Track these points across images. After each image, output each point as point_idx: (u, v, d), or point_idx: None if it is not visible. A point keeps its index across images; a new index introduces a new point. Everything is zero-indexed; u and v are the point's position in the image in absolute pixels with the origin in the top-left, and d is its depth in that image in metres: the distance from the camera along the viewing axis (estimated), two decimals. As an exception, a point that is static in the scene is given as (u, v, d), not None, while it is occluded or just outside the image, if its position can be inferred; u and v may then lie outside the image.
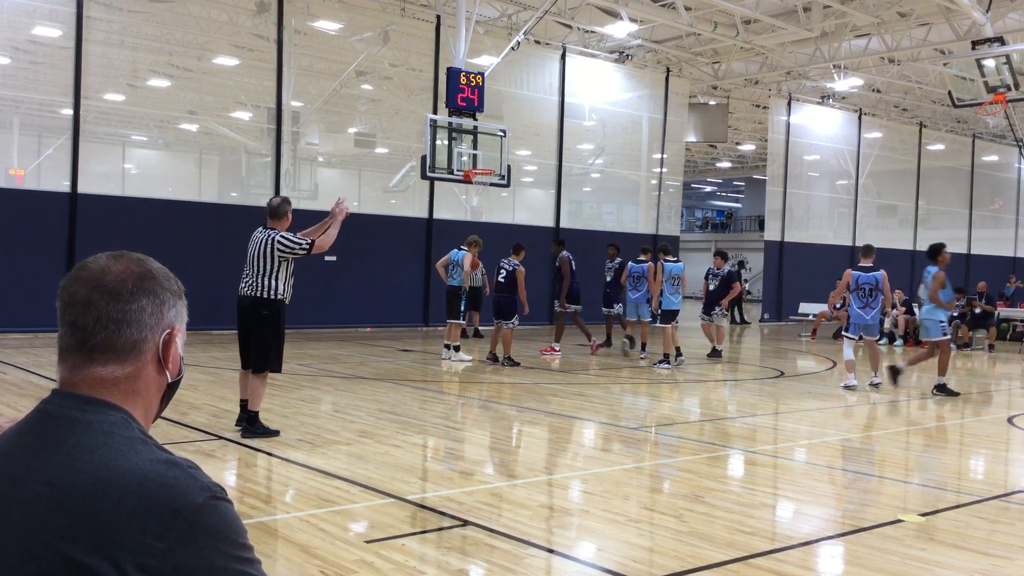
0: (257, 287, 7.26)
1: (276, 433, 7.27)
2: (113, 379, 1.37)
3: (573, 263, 15.16)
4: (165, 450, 1.33)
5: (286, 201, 7.49)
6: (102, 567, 1.19)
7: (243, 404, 7.40)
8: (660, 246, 14.14)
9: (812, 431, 8.71)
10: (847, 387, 11.49)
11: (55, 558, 1.21)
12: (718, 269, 15.47)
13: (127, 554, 1.20)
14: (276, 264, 7.24)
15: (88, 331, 1.36)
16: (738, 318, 25.94)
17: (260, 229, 7.40)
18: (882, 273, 11.45)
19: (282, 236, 7.25)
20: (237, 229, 16.75)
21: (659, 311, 13.65)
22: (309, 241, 7.28)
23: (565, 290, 14.84)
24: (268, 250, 7.22)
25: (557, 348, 14.96)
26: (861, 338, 11.77)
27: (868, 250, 11.89)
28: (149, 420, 1.43)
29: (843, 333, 12.12)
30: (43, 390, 9.20)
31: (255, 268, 7.28)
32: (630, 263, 15.21)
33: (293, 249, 7.22)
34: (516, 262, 13.11)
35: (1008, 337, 21.15)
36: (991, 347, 19.32)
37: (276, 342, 7.33)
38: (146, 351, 1.39)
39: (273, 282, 7.26)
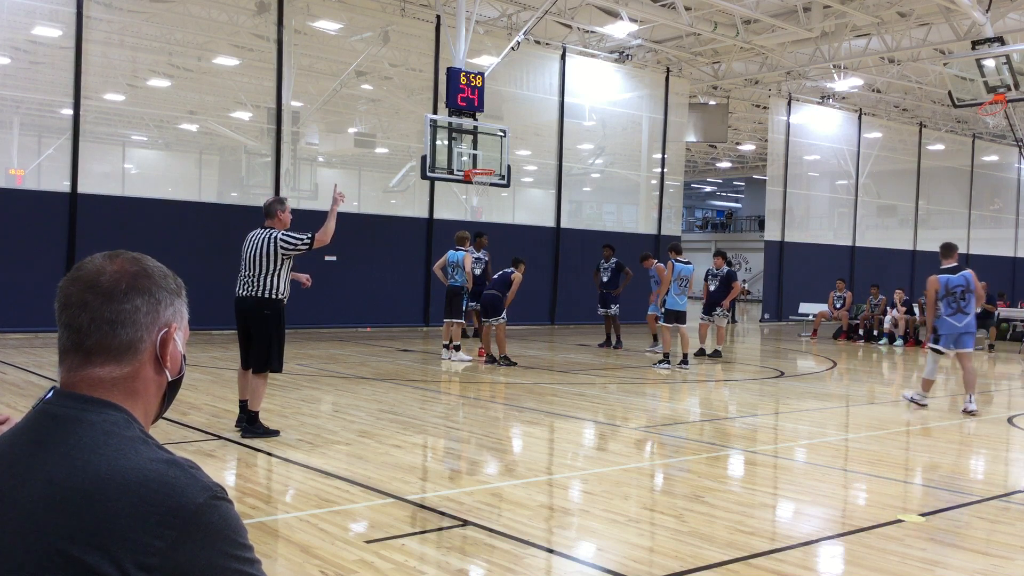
0: (257, 287, 7.26)
1: (276, 433, 7.27)
2: (111, 379, 1.37)
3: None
4: (166, 450, 1.33)
5: (276, 201, 7.49)
6: (102, 565, 1.19)
7: (243, 405, 7.41)
8: (671, 245, 14.04)
9: (812, 431, 8.71)
10: (915, 402, 10.10)
11: (55, 556, 1.21)
12: (717, 269, 15.44)
13: (127, 552, 1.20)
14: (278, 263, 7.24)
15: (83, 332, 1.36)
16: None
17: (258, 229, 7.40)
18: (971, 272, 10.11)
19: (283, 234, 7.25)
20: (237, 229, 16.76)
21: (663, 310, 13.63)
22: (310, 236, 7.27)
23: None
24: (271, 249, 7.22)
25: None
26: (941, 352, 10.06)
27: (950, 249, 10.35)
28: (149, 420, 1.43)
29: (930, 345, 10.20)
30: (43, 390, 9.18)
31: (255, 268, 7.27)
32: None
33: (296, 245, 7.22)
34: (512, 268, 13.21)
35: (1008, 337, 21.15)
36: (991, 347, 19.32)
37: (278, 342, 7.34)
38: (142, 351, 1.39)
39: (274, 281, 7.27)
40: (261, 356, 7.27)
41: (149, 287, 1.40)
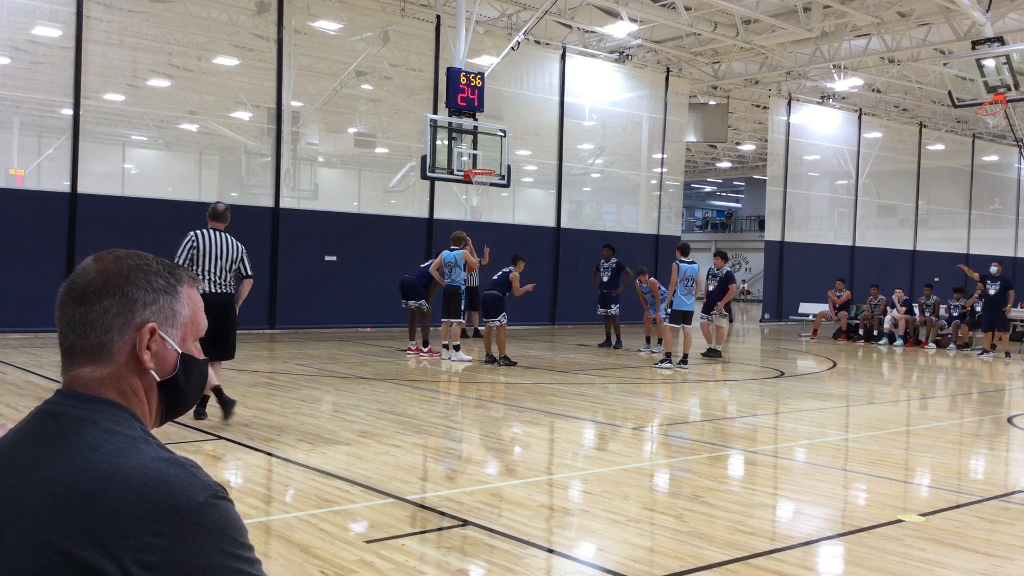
0: (228, 286, 7.93)
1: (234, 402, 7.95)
2: (97, 379, 1.37)
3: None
4: (167, 449, 1.33)
5: (228, 207, 8.27)
6: (102, 563, 1.20)
7: (205, 399, 7.90)
8: (678, 246, 14.03)
9: (812, 431, 8.71)
10: None
11: (56, 554, 1.21)
12: (718, 269, 15.45)
13: (127, 550, 1.20)
14: (249, 268, 8.06)
15: (63, 334, 1.39)
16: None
17: (216, 232, 7.94)
18: None
19: (246, 252, 8.07)
20: (237, 229, 16.78)
21: (669, 310, 13.64)
22: (252, 273, 8.19)
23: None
24: (240, 256, 7.97)
25: (424, 350, 14.04)
26: None
27: None
28: (149, 420, 1.42)
29: None
30: (43, 390, 9.20)
31: (227, 268, 7.89)
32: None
33: (247, 266, 8.02)
34: (511, 268, 13.17)
35: (1009, 337, 21.08)
36: (992, 347, 19.27)
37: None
38: (117, 352, 1.38)
39: (235, 280, 8.03)
40: (231, 346, 8.04)
41: (122, 287, 1.38)
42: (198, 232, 7.91)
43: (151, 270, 1.42)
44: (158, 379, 1.42)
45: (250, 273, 8.09)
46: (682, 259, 13.48)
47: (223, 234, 7.97)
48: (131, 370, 1.39)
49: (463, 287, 13.31)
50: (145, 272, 1.41)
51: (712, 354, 15.09)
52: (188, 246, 7.87)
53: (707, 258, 16.30)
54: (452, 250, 13.30)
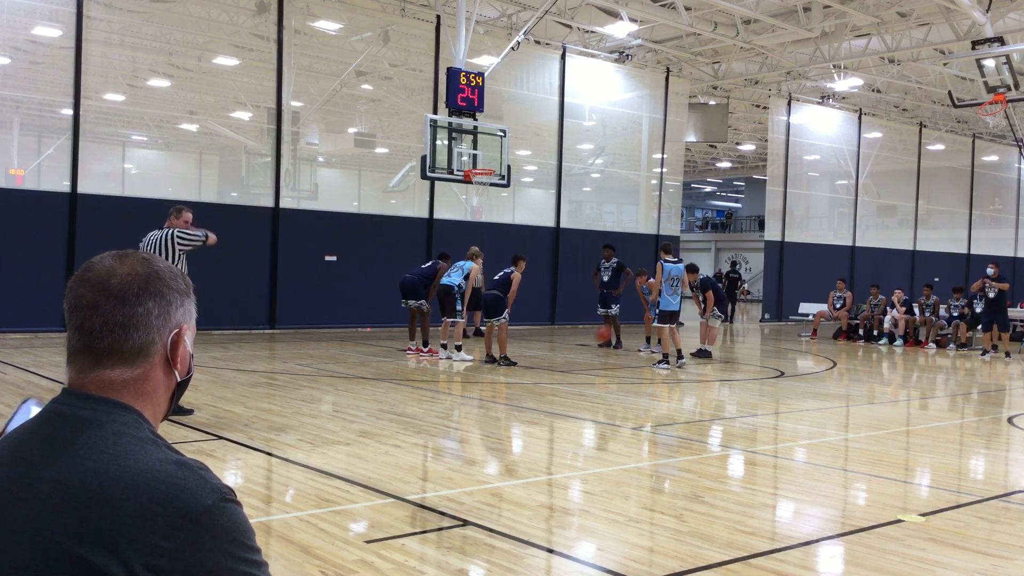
0: None
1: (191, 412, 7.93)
2: (122, 381, 1.36)
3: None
4: (176, 451, 1.33)
5: (175, 209, 8.34)
6: (110, 566, 1.19)
7: None
8: (662, 245, 14.05)
9: (812, 431, 8.71)
10: None
11: (62, 557, 1.21)
12: (693, 283, 15.40)
13: (135, 554, 1.20)
14: (177, 258, 8.06)
15: (95, 335, 1.35)
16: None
17: (156, 230, 8.14)
18: None
19: (179, 231, 8.09)
20: (237, 229, 16.82)
21: (657, 311, 13.66)
22: (204, 233, 8.19)
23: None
24: (168, 244, 8.01)
25: (424, 349, 14.04)
26: None
27: None
28: (158, 420, 1.43)
29: None
30: (43, 390, 9.20)
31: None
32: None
33: (192, 241, 8.11)
34: (512, 268, 13.19)
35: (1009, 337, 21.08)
36: (993, 347, 19.26)
37: None
38: (154, 353, 1.38)
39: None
40: None
41: (160, 289, 1.39)
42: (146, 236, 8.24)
43: (175, 274, 1.44)
44: (179, 380, 1.43)
45: (192, 236, 8.06)
46: (667, 258, 13.48)
47: (160, 230, 8.16)
48: (161, 372, 1.40)
49: (456, 286, 13.31)
50: (173, 275, 1.43)
51: (701, 354, 15.07)
52: None
53: (709, 258, 16.28)
54: (466, 261, 13.43)
